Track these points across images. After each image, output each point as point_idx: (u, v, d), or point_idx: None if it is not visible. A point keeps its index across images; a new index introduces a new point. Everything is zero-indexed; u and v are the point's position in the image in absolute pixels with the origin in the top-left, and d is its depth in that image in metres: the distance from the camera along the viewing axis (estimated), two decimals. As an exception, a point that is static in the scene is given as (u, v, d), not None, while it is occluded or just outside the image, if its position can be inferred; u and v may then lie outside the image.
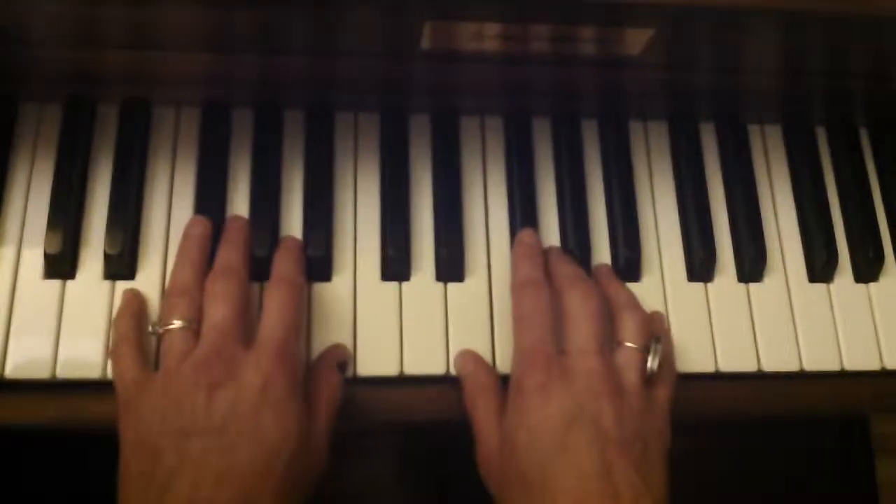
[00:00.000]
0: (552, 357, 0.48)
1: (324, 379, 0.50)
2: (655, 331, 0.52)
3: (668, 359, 0.51)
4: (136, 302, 0.51)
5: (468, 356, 0.53)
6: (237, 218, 0.54)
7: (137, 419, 0.45)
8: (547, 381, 0.47)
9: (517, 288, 0.52)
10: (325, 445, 0.48)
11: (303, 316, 0.51)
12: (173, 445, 0.43)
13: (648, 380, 0.49)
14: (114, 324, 0.50)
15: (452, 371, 0.52)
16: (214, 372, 0.45)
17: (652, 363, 0.49)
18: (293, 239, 0.54)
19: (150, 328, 0.50)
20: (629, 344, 0.49)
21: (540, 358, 0.48)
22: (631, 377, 0.48)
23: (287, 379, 0.46)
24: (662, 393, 0.50)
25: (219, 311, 0.47)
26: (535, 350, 0.48)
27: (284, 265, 0.51)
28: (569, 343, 0.49)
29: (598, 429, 0.45)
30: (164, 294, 0.50)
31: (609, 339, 0.50)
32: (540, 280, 0.51)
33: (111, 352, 0.49)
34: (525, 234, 0.55)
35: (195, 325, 0.47)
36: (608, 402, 0.46)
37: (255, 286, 0.52)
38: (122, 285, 0.52)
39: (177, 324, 0.47)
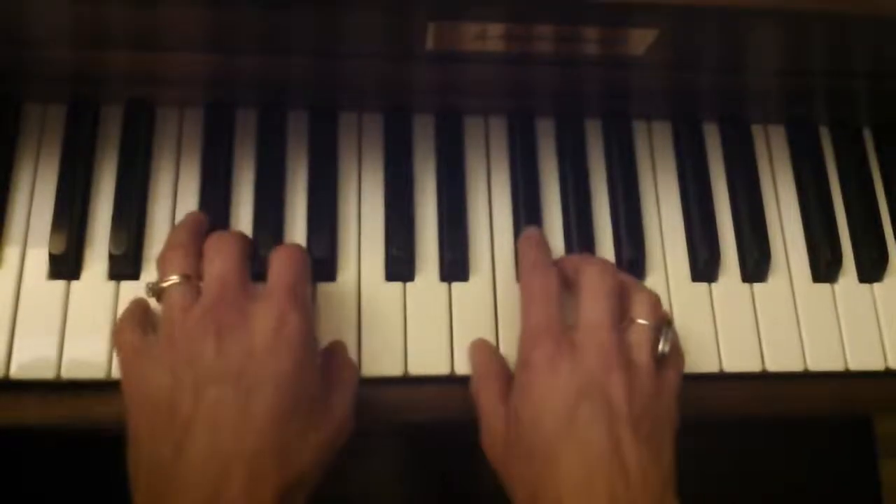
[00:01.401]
0: (561, 333, 0.47)
1: (342, 363, 0.49)
2: (666, 315, 0.51)
3: (676, 347, 0.51)
4: (143, 303, 0.50)
5: (480, 345, 0.52)
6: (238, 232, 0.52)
7: (143, 377, 0.43)
8: (556, 353, 0.46)
9: (526, 270, 0.51)
10: (345, 408, 0.46)
11: (310, 279, 0.49)
12: (186, 398, 0.41)
13: (659, 361, 0.48)
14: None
15: (457, 371, 0.52)
16: (223, 316, 0.43)
17: (663, 345, 0.48)
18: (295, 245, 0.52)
19: (146, 286, 0.47)
20: (641, 321, 0.48)
21: (548, 333, 0.47)
22: (642, 355, 0.47)
23: (301, 321, 0.43)
24: (672, 375, 0.49)
25: (218, 264, 0.45)
26: (543, 325, 0.48)
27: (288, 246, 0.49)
28: (581, 316, 0.48)
29: (607, 404, 0.45)
30: (159, 256, 0.48)
31: (621, 319, 0.49)
32: (548, 263, 0.51)
33: (114, 331, 0.48)
34: (531, 229, 0.55)
35: (195, 280, 0.45)
36: (619, 377, 0.45)
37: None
38: (126, 285, 0.52)
39: (174, 279, 0.45)
